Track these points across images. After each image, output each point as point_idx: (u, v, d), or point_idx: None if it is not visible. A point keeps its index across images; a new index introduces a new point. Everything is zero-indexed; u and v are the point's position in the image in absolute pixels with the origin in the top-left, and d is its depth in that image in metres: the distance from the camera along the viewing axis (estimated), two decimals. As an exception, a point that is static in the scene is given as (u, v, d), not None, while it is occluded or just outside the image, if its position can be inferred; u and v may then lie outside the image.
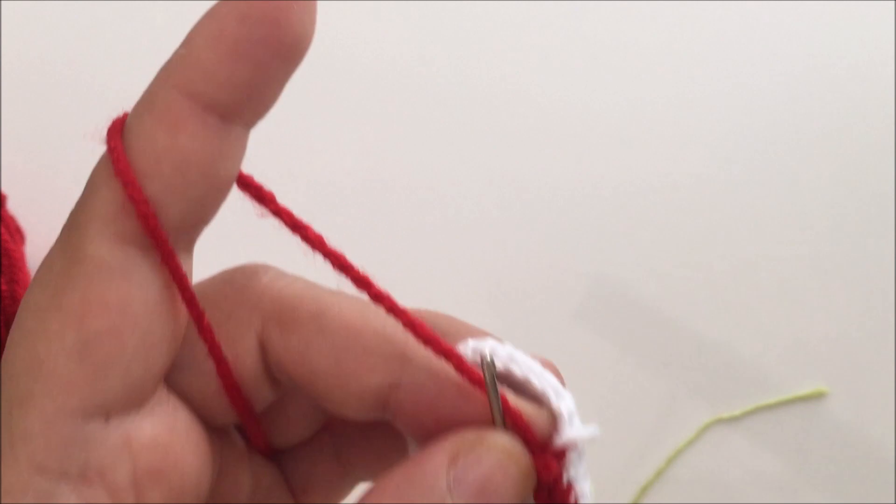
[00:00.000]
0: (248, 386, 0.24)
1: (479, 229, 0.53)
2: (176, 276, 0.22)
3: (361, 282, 0.23)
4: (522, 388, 0.24)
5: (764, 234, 0.54)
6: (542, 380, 0.24)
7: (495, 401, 0.23)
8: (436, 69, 0.54)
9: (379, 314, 0.23)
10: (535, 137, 0.54)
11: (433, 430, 0.23)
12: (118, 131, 0.21)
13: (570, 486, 0.24)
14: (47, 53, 0.51)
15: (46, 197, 0.49)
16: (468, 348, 0.24)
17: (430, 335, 0.23)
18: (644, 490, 0.51)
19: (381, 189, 0.53)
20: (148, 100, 0.21)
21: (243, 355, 0.24)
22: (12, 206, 0.47)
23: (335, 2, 0.53)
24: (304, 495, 0.27)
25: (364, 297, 0.24)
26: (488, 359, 0.23)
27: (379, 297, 0.23)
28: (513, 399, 0.23)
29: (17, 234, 0.47)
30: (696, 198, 0.54)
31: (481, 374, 0.23)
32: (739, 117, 0.55)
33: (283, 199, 0.24)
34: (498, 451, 0.22)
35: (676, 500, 0.51)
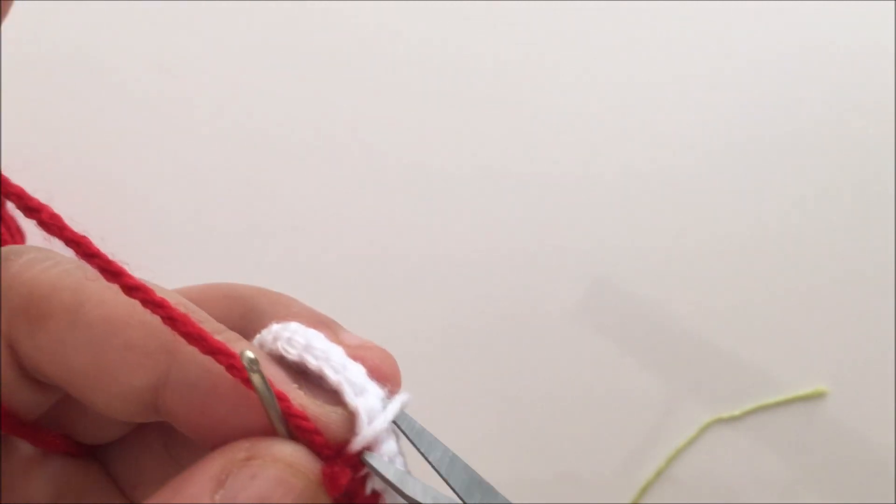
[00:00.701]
0: (5, 394, 0.21)
1: (478, 229, 0.53)
2: None
3: (111, 271, 0.20)
4: (320, 382, 0.21)
5: (764, 235, 0.54)
6: (338, 372, 0.20)
7: (271, 404, 0.19)
8: (432, 66, 0.54)
9: (152, 301, 0.20)
10: (536, 137, 0.54)
11: (214, 433, 0.20)
12: None
13: (375, 495, 0.20)
14: (48, 54, 0.51)
15: (46, 196, 0.49)
16: (269, 334, 0.21)
17: (195, 330, 0.20)
18: (644, 489, 0.51)
19: (380, 184, 0.53)
20: None
21: None
22: (12, 207, 0.47)
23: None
24: (135, 490, 0.24)
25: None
26: (249, 355, 0.19)
27: (131, 288, 0.20)
28: (299, 399, 0.20)
29: (17, 234, 0.47)
30: (697, 198, 0.54)
31: (243, 365, 0.20)
32: (743, 120, 0.55)
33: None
34: (277, 463, 0.19)
35: (677, 500, 0.51)
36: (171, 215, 0.51)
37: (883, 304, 0.53)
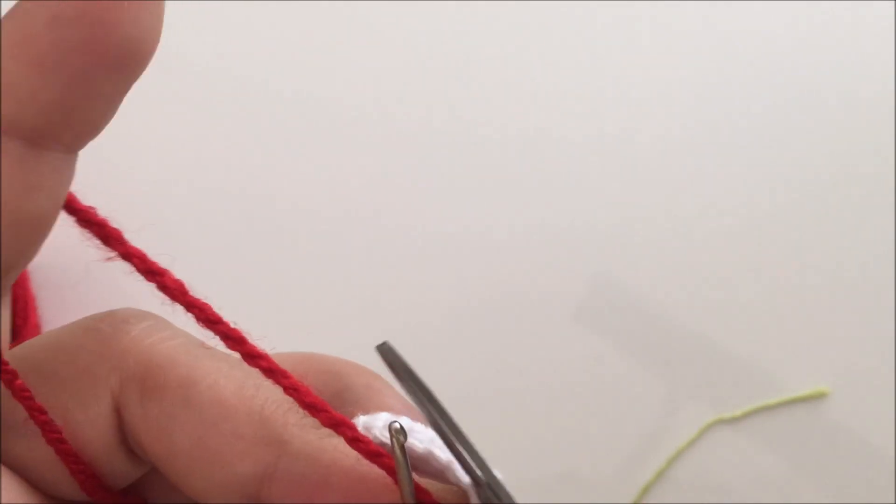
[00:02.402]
0: (99, 458, 0.20)
1: (478, 229, 0.53)
2: None
3: (233, 338, 0.19)
4: (422, 465, 0.21)
5: (764, 234, 0.54)
6: (445, 451, 0.21)
7: (408, 485, 0.19)
8: (430, 77, 0.54)
9: (262, 389, 0.20)
10: (536, 136, 0.54)
11: None
12: None
13: None
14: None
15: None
16: (358, 424, 0.20)
17: (317, 402, 0.19)
18: (645, 490, 0.51)
19: (379, 184, 0.53)
20: None
21: (93, 421, 0.20)
22: (36, 282, 0.47)
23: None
24: None
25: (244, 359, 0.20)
26: (398, 425, 0.19)
27: (252, 356, 0.19)
28: (422, 481, 0.20)
29: (32, 311, 0.46)
30: (697, 198, 0.54)
31: (384, 450, 0.19)
32: (741, 118, 0.55)
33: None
34: None
35: (677, 501, 0.51)
36: (170, 213, 0.51)
37: (884, 305, 0.53)
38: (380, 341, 0.21)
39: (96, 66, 0.16)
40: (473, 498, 0.20)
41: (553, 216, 0.53)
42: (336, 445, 0.20)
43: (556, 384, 0.52)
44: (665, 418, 0.52)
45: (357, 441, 0.19)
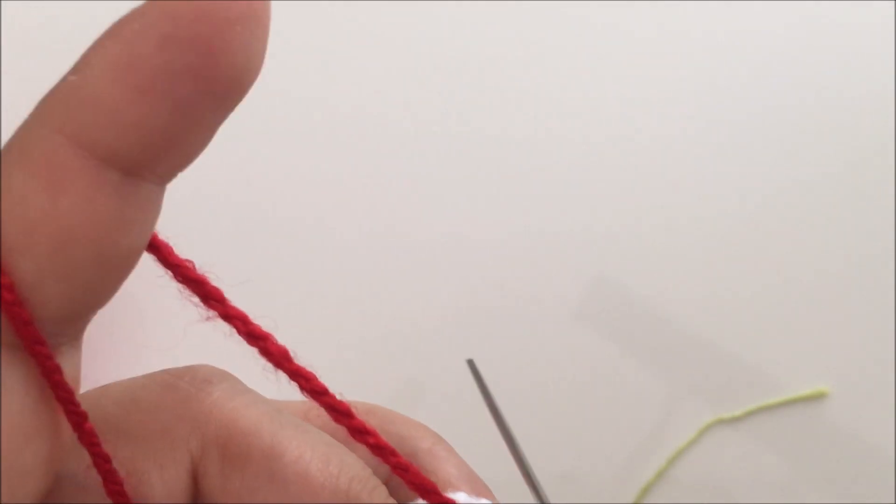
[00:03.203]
0: None
1: (479, 230, 0.53)
2: (52, 383, 0.16)
3: (340, 412, 0.18)
4: None
5: (764, 234, 0.54)
6: None
7: None
8: (431, 58, 0.54)
9: (347, 466, 0.19)
10: (535, 135, 0.54)
11: None
12: None
13: None
14: (48, 53, 0.51)
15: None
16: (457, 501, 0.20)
17: (427, 483, 0.18)
18: (645, 490, 0.51)
19: (376, 179, 0.53)
20: (20, 146, 0.15)
21: (168, 485, 0.19)
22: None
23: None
24: None
25: (335, 430, 0.19)
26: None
27: (360, 432, 0.18)
28: None
29: None
30: (697, 198, 0.54)
31: None
32: (740, 119, 0.55)
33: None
34: None
35: (677, 501, 0.51)
36: (168, 212, 0.50)
37: (884, 305, 0.53)
38: (467, 357, 0.21)
39: (202, 95, 0.15)
40: None
41: (553, 217, 0.53)
42: None
43: (557, 384, 0.52)
44: (665, 418, 0.52)
45: None
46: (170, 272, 0.18)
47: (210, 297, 0.18)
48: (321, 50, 0.53)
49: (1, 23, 0.51)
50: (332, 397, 0.18)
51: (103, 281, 0.16)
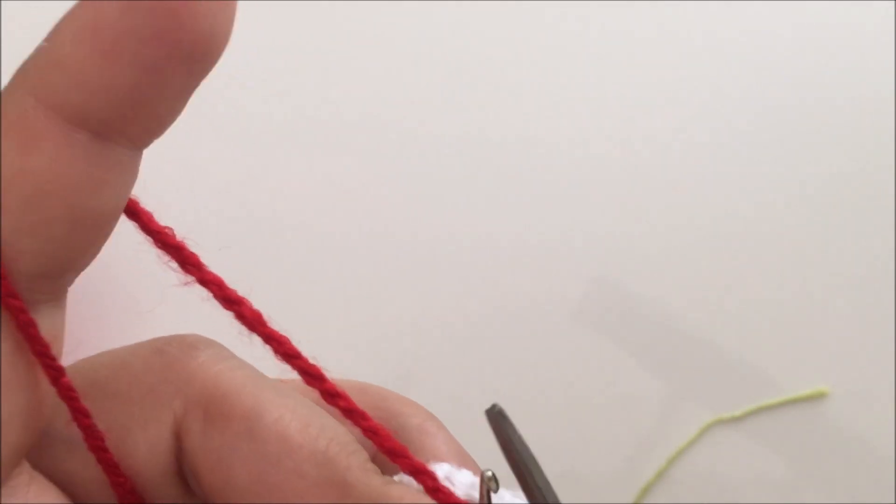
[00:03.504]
0: (153, 483, 0.19)
1: (478, 228, 0.53)
2: (27, 336, 0.17)
3: (312, 375, 0.19)
4: None
5: (764, 235, 0.54)
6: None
7: None
8: (431, 59, 0.54)
9: (327, 429, 0.19)
10: (535, 136, 0.54)
11: None
12: None
13: None
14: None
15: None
16: (438, 473, 0.20)
17: (397, 447, 0.19)
18: (645, 490, 0.51)
19: (374, 179, 0.53)
20: None
21: (152, 442, 0.19)
22: None
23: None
24: None
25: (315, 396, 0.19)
26: (489, 473, 0.19)
27: (332, 395, 0.19)
28: None
29: None
30: (698, 198, 0.54)
31: (459, 499, 0.19)
32: (741, 117, 0.55)
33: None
34: None
35: (677, 501, 0.51)
36: (168, 213, 0.50)
37: (884, 305, 0.53)
38: (490, 405, 0.21)
39: (168, 59, 0.16)
40: None
41: (554, 218, 0.53)
42: (401, 493, 0.19)
43: (557, 384, 0.52)
44: (664, 418, 0.52)
45: (437, 491, 0.19)
46: (149, 238, 0.18)
47: (187, 262, 0.18)
48: (321, 50, 0.53)
49: (1, 23, 0.51)
50: (305, 360, 0.19)
51: (77, 240, 0.17)
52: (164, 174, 0.51)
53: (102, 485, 0.19)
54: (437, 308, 0.52)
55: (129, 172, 0.17)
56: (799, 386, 0.52)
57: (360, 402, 0.20)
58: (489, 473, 0.20)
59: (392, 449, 0.19)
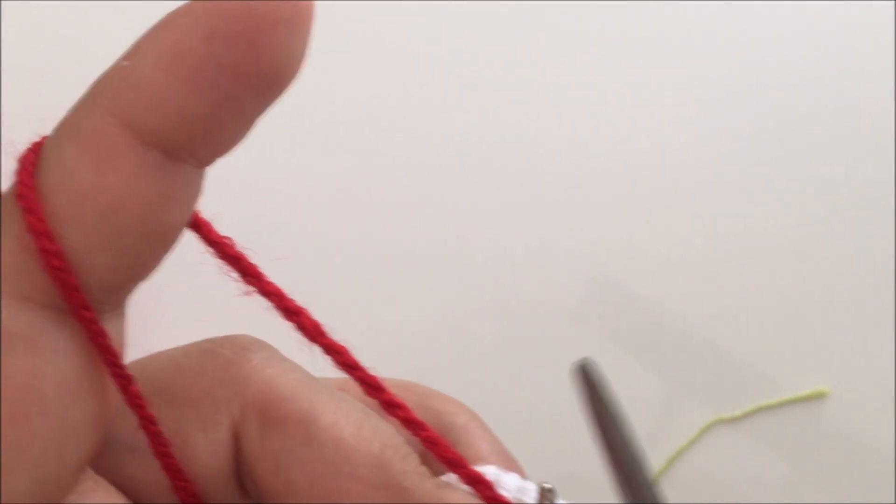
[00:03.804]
0: (212, 486, 0.20)
1: (477, 227, 0.53)
2: (98, 346, 0.18)
3: (372, 385, 0.19)
4: None
5: (765, 234, 0.54)
6: None
7: None
8: (432, 60, 0.54)
9: (380, 433, 0.20)
10: (535, 136, 0.54)
11: None
12: (32, 162, 0.17)
13: None
14: (48, 52, 0.51)
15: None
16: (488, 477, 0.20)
17: (456, 458, 0.19)
18: (645, 490, 0.51)
19: (373, 180, 0.53)
20: (73, 124, 0.17)
21: (213, 445, 0.20)
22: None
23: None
24: None
25: (368, 401, 0.20)
26: (548, 485, 0.19)
27: (391, 405, 0.19)
28: None
29: None
30: (697, 198, 0.54)
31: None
32: (742, 117, 0.55)
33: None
34: None
35: (677, 501, 0.51)
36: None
37: (884, 305, 0.53)
38: (578, 358, 0.20)
39: (243, 87, 0.16)
40: None
41: (554, 219, 0.53)
42: (455, 497, 0.19)
43: (557, 384, 0.52)
44: (665, 418, 0.52)
45: (495, 500, 0.19)
46: (210, 249, 0.19)
47: (247, 273, 0.19)
48: (322, 51, 0.53)
49: (1, 23, 0.51)
50: (364, 371, 0.19)
51: (146, 254, 0.17)
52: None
53: (164, 488, 0.19)
54: (435, 308, 0.52)
55: (195, 189, 0.18)
56: (799, 386, 0.52)
57: (405, 400, 0.21)
58: (548, 486, 0.19)
59: (450, 459, 0.19)
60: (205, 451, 0.19)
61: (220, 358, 0.20)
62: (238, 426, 0.20)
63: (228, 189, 0.52)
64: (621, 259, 0.53)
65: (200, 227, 0.19)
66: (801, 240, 0.54)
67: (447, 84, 0.54)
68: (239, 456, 0.20)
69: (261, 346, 0.20)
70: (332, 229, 0.52)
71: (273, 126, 0.53)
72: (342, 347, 0.19)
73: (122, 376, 0.18)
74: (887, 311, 0.53)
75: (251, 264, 0.19)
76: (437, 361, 0.51)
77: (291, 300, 0.19)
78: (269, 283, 0.19)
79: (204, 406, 0.20)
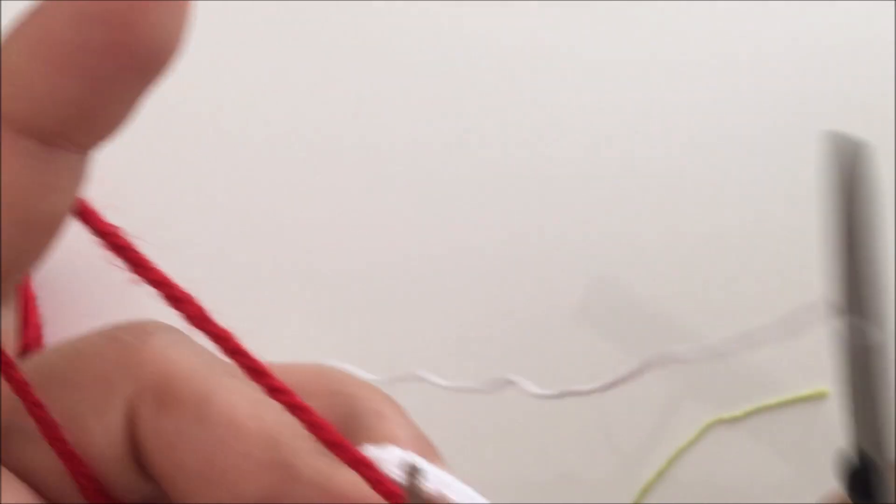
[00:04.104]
0: (109, 469, 0.20)
1: (477, 227, 0.53)
2: None
3: (256, 370, 0.19)
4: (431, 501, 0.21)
5: (765, 234, 0.54)
6: (459, 493, 0.21)
7: None
8: (428, 62, 0.54)
9: (278, 413, 0.19)
10: (535, 134, 0.54)
11: None
12: None
13: None
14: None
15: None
16: (387, 454, 0.20)
17: (338, 439, 0.19)
18: (645, 490, 0.51)
19: (372, 182, 0.53)
20: None
21: (107, 429, 0.19)
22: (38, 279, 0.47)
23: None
24: None
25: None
26: (415, 465, 0.19)
27: (276, 390, 0.19)
28: None
29: (32, 312, 0.46)
30: (697, 198, 0.54)
31: (400, 489, 0.19)
32: (742, 117, 0.55)
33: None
34: None
35: (677, 501, 0.51)
36: (168, 214, 0.51)
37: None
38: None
39: (117, 69, 0.16)
40: None
41: (554, 217, 0.53)
42: (346, 475, 0.19)
43: (556, 384, 0.52)
44: (664, 418, 0.52)
45: (379, 483, 0.19)
46: (97, 238, 0.18)
47: (132, 261, 0.18)
48: (322, 52, 0.53)
49: (1, 23, 0.51)
50: (248, 356, 0.19)
51: (27, 244, 0.17)
52: (164, 177, 0.51)
53: (64, 474, 0.19)
54: (436, 308, 0.52)
55: (78, 175, 0.17)
56: (799, 386, 0.52)
57: (316, 384, 0.21)
58: (414, 464, 0.19)
59: (333, 442, 0.19)
60: (99, 434, 0.19)
61: (119, 342, 0.20)
62: (133, 409, 0.19)
63: (229, 189, 0.52)
64: (622, 259, 0.53)
65: (87, 216, 0.18)
66: (801, 240, 0.54)
67: (445, 78, 0.54)
68: (134, 438, 0.20)
69: (165, 329, 0.20)
70: (332, 225, 0.52)
71: (273, 126, 0.53)
72: (226, 333, 0.19)
73: (5, 364, 0.18)
74: (888, 311, 0.53)
75: (137, 253, 0.19)
76: (433, 361, 0.51)
77: (178, 287, 0.19)
78: (156, 272, 0.19)
79: (98, 390, 0.19)
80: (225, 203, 0.51)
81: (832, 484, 0.53)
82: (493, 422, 0.51)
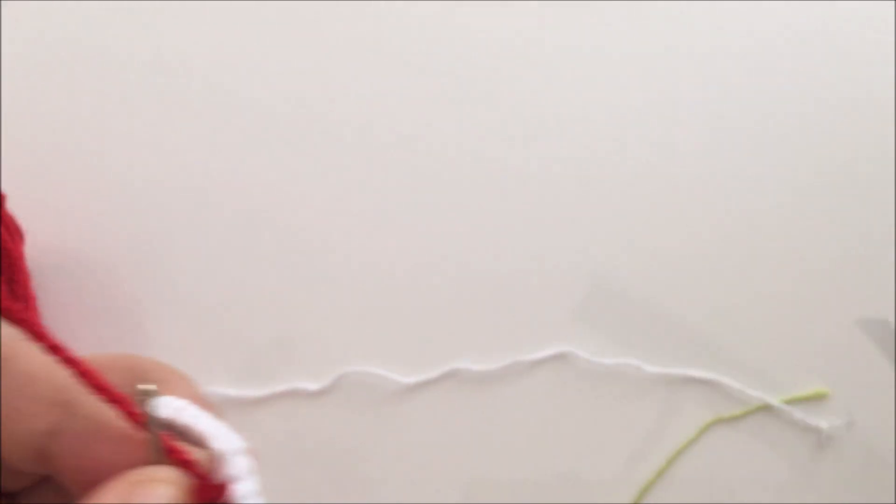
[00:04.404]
0: None
1: (477, 227, 0.53)
2: None
3: (35, 333, 0.24)
4: (190, 437, 0.26)
5: (765, 234, 0.54)
6: (204, 425, 0.26)
7: (156, 438, 0.24)
8: (425, 60, 0.54)
9: (67, 372, 0.24)
10: (534, 133, 0.54)
11: (93, 480, 0.24)
12: None
13: None
14: (47, 52, 0.51)
15: (46, 197, 0.49)
16: (149, 405, 0.25)
17: (101, 383, 0.24)
18: (645, 490, 0.51)
19: (372, 183, 0.53)
20: None
21: None
22: (12, 206, 0.47)
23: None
24: None
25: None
26: (142, 386, 0.24)
27: (52, 348, 0.24)
28: (176, 442, 0.25)
29: (16, 233, 0.47)
30: (697, 198, 0.54)
31: (144, 417, 0.24)
32: (743, 117, 0.55)
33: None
34: (169, 482, 0.24)
35: (677, 501, 0.51)
36: (168, 214, 0.51)
37: (884, 305, 0.53)
38: None
39: None
40: (223, 464, 0.25)
41: (554, 215, 0.53)
42: (112, 412, 0.24)
43: (556, 384, 0.52)
44: (664, 418, 0.52)
45: (132, 415, 0.24)
46: None
47: None
48: (321, 52, 0.53)
49: (1, 23, 0.51)
50: (30, 322, 0.24)
51: None
52: (163, 178, 0.51)
53: None
54: (436, 308, 0.52)
55: None
56: (799, 386, 0.53)
57: (116, 363, 0.26)
58: (145, 387, 0.24)
59: (97, 385, 0.24)
60: None
61: None
62: None
63: (233, 188, 0.52)
64: (622, 258, 0.53)
65: None
66: (801, 240, 0.54)
67: (444, 81, 0.54)
68: None
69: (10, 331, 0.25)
70: (333, 226, 0.52)
71: (273, 126, 0.53)
72: (13, 304, 0.24)
73: None
74: (887, 311, 0.53)
75: None
76: (433, 361, 0.51)
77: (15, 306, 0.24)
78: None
79: None
80: (239, 209, 0.52)
81: (832, 483, 0.53)
82: (493, 421, 0.51)
